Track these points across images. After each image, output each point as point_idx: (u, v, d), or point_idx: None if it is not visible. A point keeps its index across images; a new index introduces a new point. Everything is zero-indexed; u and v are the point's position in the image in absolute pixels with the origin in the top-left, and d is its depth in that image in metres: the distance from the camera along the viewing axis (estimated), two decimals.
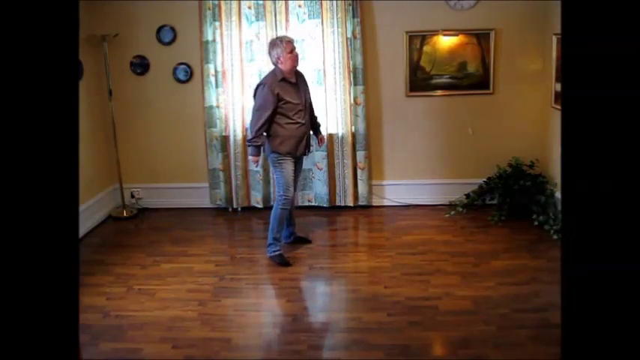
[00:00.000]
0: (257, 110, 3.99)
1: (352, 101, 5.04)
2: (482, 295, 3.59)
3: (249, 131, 4.27)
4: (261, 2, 4.90)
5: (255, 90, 4.03)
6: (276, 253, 4.18)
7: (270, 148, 4.07)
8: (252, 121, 4.06)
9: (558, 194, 4.71)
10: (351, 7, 4.85)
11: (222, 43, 4.97)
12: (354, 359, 3.00)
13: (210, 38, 4.96)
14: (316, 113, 4.34)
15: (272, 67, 4.06)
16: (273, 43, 3.97)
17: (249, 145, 4.12)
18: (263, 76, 5.00)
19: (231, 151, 5.17)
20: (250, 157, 4.19)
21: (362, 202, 5.26)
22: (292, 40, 4.03)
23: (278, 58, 3.94)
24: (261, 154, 4.11)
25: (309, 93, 4.19)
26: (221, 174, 5.25)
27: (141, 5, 5.07)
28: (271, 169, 4.46)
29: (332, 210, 5.23)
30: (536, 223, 4.63)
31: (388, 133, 5.23)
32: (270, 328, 3.37)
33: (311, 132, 4.25)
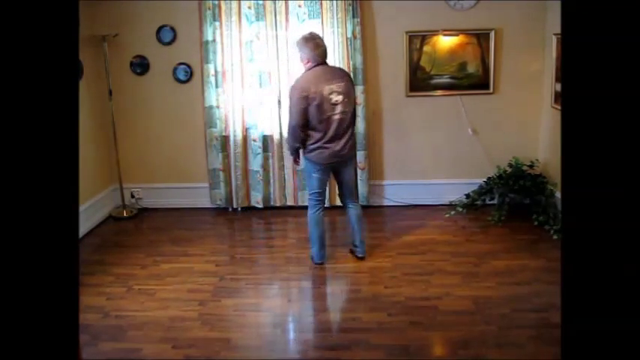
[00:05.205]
0: None
1: None
2: (482, 295, 3.59)
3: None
4: (261, 2, 4.90)
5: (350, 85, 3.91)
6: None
7: None
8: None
9: (558, 194, 4.71)
10: (351, 7, 4.85)
11: (222, 43, 4.96)
12: (354, 359, 3.01)
13: (210, 38, 4.96)
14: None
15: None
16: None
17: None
18: (263, 76, 5.05)
19: (231, 151, 5.17)
20: None
21: (362, 202, 5.24)
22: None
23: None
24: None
25: None
26: (221, 174, 5.25)
27: (141, 5, 5.07)
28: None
29: (332, 210, 5.23)
30: (536, 223, 4.63)
31: (388, 133, 5.23)
32: (270, 328, 3.37)
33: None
